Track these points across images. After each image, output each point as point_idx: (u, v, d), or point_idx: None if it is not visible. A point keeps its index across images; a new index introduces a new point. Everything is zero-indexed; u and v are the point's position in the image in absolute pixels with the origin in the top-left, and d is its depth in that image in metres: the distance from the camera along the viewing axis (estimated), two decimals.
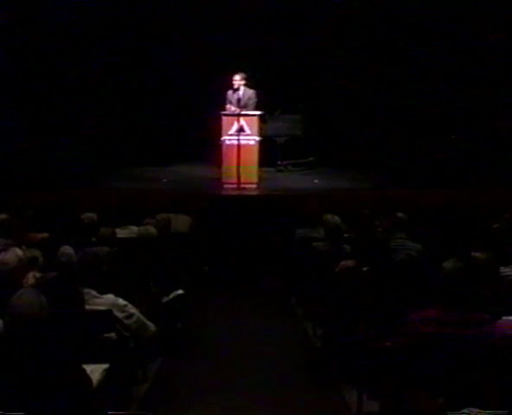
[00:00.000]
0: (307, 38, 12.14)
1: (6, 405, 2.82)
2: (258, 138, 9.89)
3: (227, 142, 9.83)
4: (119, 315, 4.37)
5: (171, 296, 5.76)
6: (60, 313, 3.64)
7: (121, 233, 6.63)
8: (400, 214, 6.41)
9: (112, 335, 4.19)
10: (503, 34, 11.21)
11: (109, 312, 4.27)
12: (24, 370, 2.90)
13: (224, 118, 9.87)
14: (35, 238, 6.25)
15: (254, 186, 9.84)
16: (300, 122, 11.35)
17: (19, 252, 4.83)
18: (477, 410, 2.89)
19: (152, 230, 6.15)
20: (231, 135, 9.80)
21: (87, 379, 3.09)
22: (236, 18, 11.91)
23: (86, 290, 4.33)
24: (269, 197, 9.47)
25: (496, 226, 6.93)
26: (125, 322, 4.40)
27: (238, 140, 9.73)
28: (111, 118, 11.95)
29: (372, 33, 11.92)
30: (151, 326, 4.66)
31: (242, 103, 9.95)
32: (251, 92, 10.16)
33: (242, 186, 9.68)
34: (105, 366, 3.67)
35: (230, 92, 10.16)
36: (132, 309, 4.48)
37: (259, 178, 9.98)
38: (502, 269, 4.74)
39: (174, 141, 11.84)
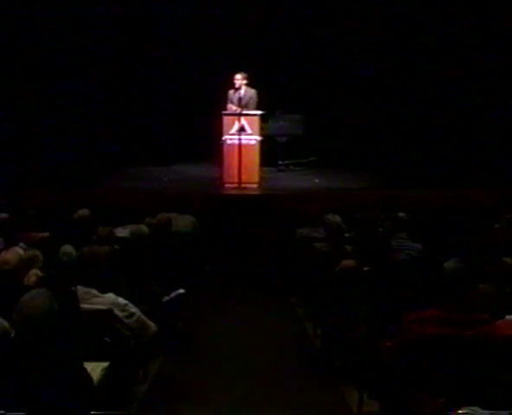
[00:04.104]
0: (308, 38, 12.14)
1: (6, 404, 2.82)
2: (259, 138, 9.89)
3: (228, 141, 9.83)
4: (120, 314, 4.37)
5: (172, 295, 5.76)
6: (61, 312, 3.64)
7: (122, 232, 6.63)
8: (400, 214, 6.41)
9: (113, 334, 4.19)
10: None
11: (109, 311, 4.27)
12: (25, 369, 2.90)
13: (225, 118, 9.88)
14: (36, 237, 6.25)
15: (255, 186, 9.84)
16: (301, 121, 11.35)
17: (20, 251, 4.84)
18: (477, 408, 2.89)
19: (144, 229, 6.12)
20: (232, 134, 9.80)
21: (88, 377, 3.09)
22: (237, 17, 11.91)
23: (87, 290, 4.33)
24: (270, 197, 9.47)
25: (496, 226, 6.93)
26: (126, 321, 4.40)
27: (239, 140, 9.73)
28: (111, 117, 11.95)
29: (373, 33, 11.91)
30: (152, 325, 4.66)
31: (243, 102, 9.95)
32: (252, 91, 10.16)
33: (243, 186, 9.68)
34: (106, 364, 3.67)
35: (231, 91, 10.16)
36: (133, 309, 4.48)
37: (260, 178, 9.97)
38: None
39: (174, 140, 11.84)
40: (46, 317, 2.99)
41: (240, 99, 9.94)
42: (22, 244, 5.39)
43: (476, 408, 2.87)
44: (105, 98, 11.93)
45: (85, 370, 3.08)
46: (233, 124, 9.81)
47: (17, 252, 4.78)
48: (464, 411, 2.87)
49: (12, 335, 3.24)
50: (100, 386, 3.45)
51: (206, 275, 8.07)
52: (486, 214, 7.51)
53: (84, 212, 6.57)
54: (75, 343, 3.40)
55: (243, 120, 9.79)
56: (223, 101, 10.17)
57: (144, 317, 4.57)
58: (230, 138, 9.82)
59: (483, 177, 9.92)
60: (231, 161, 9.78)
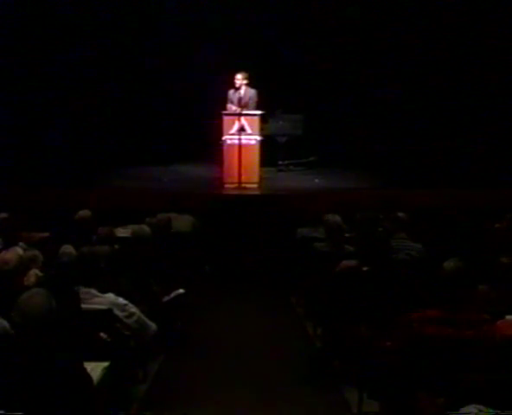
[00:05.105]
0: (308, 37, 12.13)
1: (6, 404, 2.82)
2: (259, 138, 9.88)
3: (228, 141, 9.82)
4: (120, 314, 4.37)
5: (172, 295, 5.76)
6: (61, 311, 3.64)
7: (122, 232, 6.64)
8: (400, 214, 6.41)
9: (113, 334, 4.19)
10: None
11: (109, 311, 4.27)
12: (25, 369, 2.90)
13: (225, 118, 9.87)
14: (36, 237, 6.26)
15: (255, 186, 9.83)
16: (301, 121, 11.35)
17: (20, 251, 4.84)
18: (483, 407, 2.89)
19: (146, 229, 6.13)
20: (232, 134, 9.80)
21: (88, 377, 3.09)
22: (238, 17, 11.91)
23: (86, 290, 4.33)
24: (270, 197, 9.47)
25: (497, 225, 6.93)
26: (126, 321, 4.40)
27: (239, 140, 9.73)
28: (111, 117, 11.95)
29: (373, 32, 11.92)
30: (152, 325, 4.66)
31: (243, 102, 9.95)
32: (252, 91, 10.15)
33: (243, 186, 9.67)
34: (106, 364, 3.67)
35: (231, 91, 10.16)
36: (133, 309, 4.49)
37: (260, 178, 9.97)
38: None
39: (174, 141, 11.84)
40: (44, 315, 2.99)
41: (240, 99, 9.94)
42: (21, 244, 5.40)
43: (481, 407, 2.87)
44: (104, 98, 11.92)
45: (85, 370, 3.08)
46: (233, 124, 9.81)
47: (17, 252, 4.79)
48: (471, 410, 2.87)
49: (12, 335, 3.24)
50: (100, 386, 3.44)
51: (206, 275, 8.06)
52: (486, 214, 7.51)
53: (85, 213, 6.57)
54: (75, 343, 3.40)
55: (243, 120, 9.78)
56: (223, 101, 10.16)
57: (143, 317, 4.57)
58: (230, 138, 9.81)
59: (484, 177, 9.92)
60: (231, 161, 9.78)
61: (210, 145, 10.34)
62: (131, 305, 4.48)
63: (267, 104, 10.34)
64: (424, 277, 4.68)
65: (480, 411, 2.84)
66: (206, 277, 7.99)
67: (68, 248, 4.89)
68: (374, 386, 4.18)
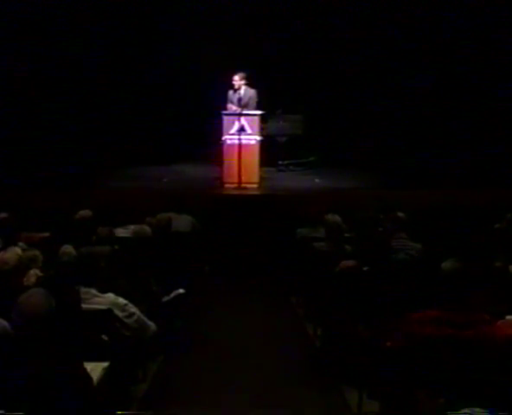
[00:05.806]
0: (308, 37, 12.14)
1: (7, 404, 2.82)
2: (259, 138, 9.89)
3: (228, 141, 9.83)
4: (119, 314, 4.37)
5: (172, 295, 5.77)
6: (61, 311, 3.63)
7: (122, 232, 6.63)
8: (400, 214, 6.40)
9: (112, 334, 4.19)
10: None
11: (109, 311, 4.27)
12: (25, 369, 2.90)
13: (225, 118, 9.88)
14: (36, 237, 6.26)
15: (255, 186, 9.84)
16: (301, 121, 11.36)
17: (18, 251, 4.84)
18: (478, 409, 2.89)
19: (147, 229, 6.14)
20: (232, 134, 9.81)
21: (88, 377, 3.09)
22: (237, 17, 11.92)
23: (86, 289, 4.33)
24: (270, 197, 9.47)
25: (497, 226, 6.93)
26: (126, 321, 4.40)
27: (239, 140, 9.74)
28: (111, 117, 11.95)
29: (372, 32, 11.92)
30: (152, 325, 4.66)
31: (243, 102, 9.96)
32: (252, 91, 10.16)
33: (243, 186, 9.68)
34: (105, 364, 3.67)
35: (231, 91, 10.17)
36: (133, 309, 4.49)
37: (260, 178, 9.98)
38: None
39: (175, 141, 11.85)
40: (44, 315, 2.99)
41: (239, 99, 9.94)
42: (21, 244, 5.40)
43: (477, 409, 2.87)
44: (105, 99, 11.92)
45: (85, 370, 3.08)
46: (233, 124, 9.82)
47: (16, 251, 4.78)
48: (465, 412, 2.87)
49: (12, 335, 3.24)
50: (100, 386, 3.45)
51: (206, 275, 8.06)
52: (486, 214, 7.50)
53: (86, 213, 6.57)
54: (75, 343, 3.40)
55: (243, 120, 9.79)
56: (223, 101, 10.17)
57: (143, 317, 4.57)
58: (230, 138, 9.82)
59: (484, 177, 9.92)
60: (231, 161, 9.78)
61: (210, 145, 10.35)
62: (130, 305, 4.48)
63: (267, 104, 10.35)
64: (424, 277, 4.67)
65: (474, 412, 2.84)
66: (206, 277, 7.99)
67: (68, 248, 4.89)
68: (374, 386, 4.18)
